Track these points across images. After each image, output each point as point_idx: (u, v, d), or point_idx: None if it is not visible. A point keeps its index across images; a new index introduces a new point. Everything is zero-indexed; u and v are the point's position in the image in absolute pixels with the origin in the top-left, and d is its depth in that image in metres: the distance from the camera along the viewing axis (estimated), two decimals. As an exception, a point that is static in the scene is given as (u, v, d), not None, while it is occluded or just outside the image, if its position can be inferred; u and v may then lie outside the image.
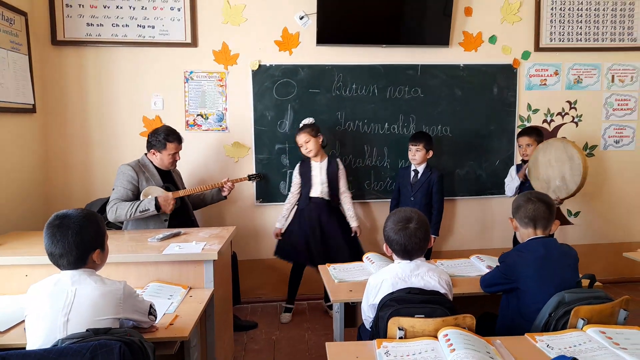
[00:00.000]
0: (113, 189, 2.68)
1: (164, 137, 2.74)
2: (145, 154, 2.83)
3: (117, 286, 1.50)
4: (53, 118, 3.23)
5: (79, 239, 1.45)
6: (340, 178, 3.19)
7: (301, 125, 3.15)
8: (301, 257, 3.16)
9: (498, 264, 1.97)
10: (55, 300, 1.42)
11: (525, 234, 1.91)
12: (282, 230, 3.21)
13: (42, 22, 3.14)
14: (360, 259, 2.51)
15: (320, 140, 3.12)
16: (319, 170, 3.14)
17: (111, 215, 2.59)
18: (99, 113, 3.28)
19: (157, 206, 2.59)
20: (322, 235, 3.10)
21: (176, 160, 2.85)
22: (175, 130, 2.82)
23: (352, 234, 3.20)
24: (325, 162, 3.16)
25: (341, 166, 3.21)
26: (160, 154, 2.76)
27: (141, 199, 2.64)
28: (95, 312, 1.43)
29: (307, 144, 3.07)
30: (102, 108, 3.28)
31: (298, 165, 3.22)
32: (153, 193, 2.67)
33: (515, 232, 2.04)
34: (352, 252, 3.12)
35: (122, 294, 1.50)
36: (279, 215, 3.25)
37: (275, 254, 3.24)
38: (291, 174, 3.35)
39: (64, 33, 3.17)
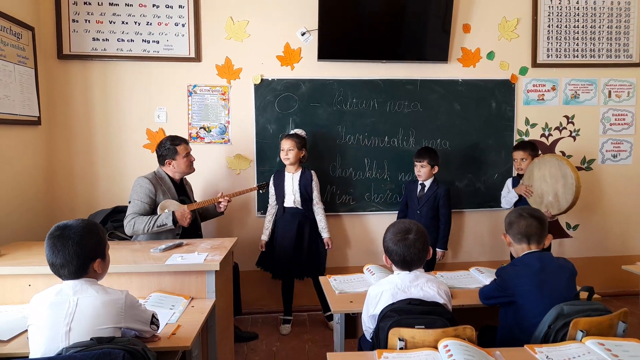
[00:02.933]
0: (129, 202, 2.66)
1: (171, 143, 2.77)
2: (160, 167, 2.82)
3: (118, 295, 1.51)
4: (58, 130, 3.27)
5: (79, 249, 1.46)
6: (314, 189, 3.21)
7: (291, 132, 3.21)
8: (279, 270, 3.18)
9: (496, 277, 2.00)
10: (57, 309, 1.43)
11: (520, 249, 1.94)
12: (266, 241, 3.23)
13: (48, 36, 3.20)
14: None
15: (302, 154, 3.16)
16: (291, 180, 3.18)
17: (129, 229, 2.58)
18: (103, 125, 3.33)
19: (175, 221, 2.59)
20: (296, 245, 3.13)
21: (192, 161, 2.84)
22: (176, 135, 2.86)
23: (327, 247, 3.21)
24: (298, 173, 3.19)
25: (315, 177, 3.23)
26: (175, 161, 2.76)
27: (158, 212, 2.64)
28: (97, 321, 1.44)
29: (289, 152, 3.11)
30: (107, 121, 3.33)
31: (272, 176, 3.25)
32: (169, 207, 2.67)
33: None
34: (313, 268, 3.15)
35: (123, 303, 1.50)
36: (262, 228, 3.28)
37: (257, 265, 3.28)
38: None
39: (70, 47, 3.23)
